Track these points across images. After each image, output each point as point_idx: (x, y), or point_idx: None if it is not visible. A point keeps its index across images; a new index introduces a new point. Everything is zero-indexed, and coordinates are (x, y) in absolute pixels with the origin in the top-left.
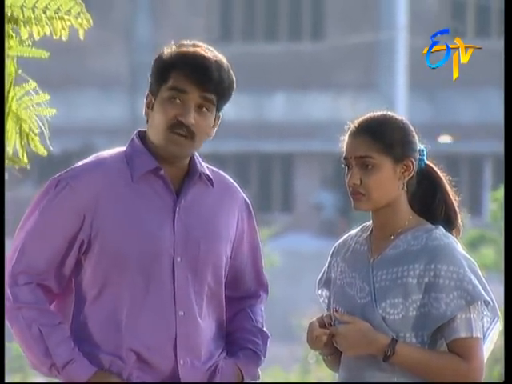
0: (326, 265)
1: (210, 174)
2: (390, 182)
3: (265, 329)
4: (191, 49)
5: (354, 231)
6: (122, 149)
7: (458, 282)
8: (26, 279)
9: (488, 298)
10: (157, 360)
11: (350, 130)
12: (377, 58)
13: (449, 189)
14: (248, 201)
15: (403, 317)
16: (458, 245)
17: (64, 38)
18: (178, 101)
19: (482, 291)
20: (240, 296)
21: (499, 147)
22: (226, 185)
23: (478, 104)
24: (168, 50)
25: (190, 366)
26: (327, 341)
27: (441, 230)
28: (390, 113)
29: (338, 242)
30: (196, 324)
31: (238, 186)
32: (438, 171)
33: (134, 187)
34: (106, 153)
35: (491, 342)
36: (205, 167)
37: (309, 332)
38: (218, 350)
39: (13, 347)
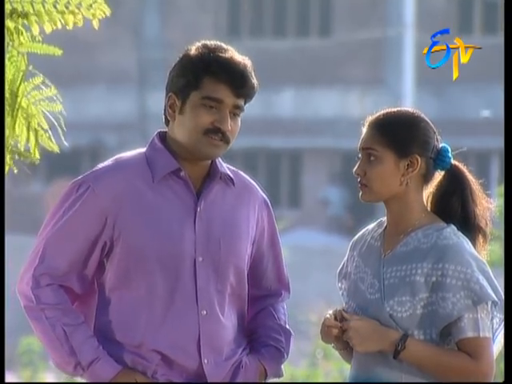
0: (345, 258)
1: (230, 174)
2: (391, 176)
3: (288, 326)
4: (223, 54)
5: (371, 226)
6: (143, 150)
7: (465, 282)
8: (48, 280)
9: (496, 299)
10: (181, 359)
11: (367, 121)
12: (384, 54)
13: (473, 192)
14: (267, 199)
15: (411, 315)
16: (468, 244)
17: (79, 25)
18: (213, 108)
19: (490, 291)
20: (262, 294)
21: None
22: (245, 184)
23: (484, 99)
24: (197, 51)
25: (214, 364)
26: (340, 334)
27: (452, 229)
28: (408, 109)
29: (357, 236)
30: (218, 323)
31: (257, 185)
32: (465, 174)
33: (155, 188)
34: (126, 154)
35: (500, 343)
36: (225, 167)
37: (322, 324)
38: (241, 347)
39: (22, 342)
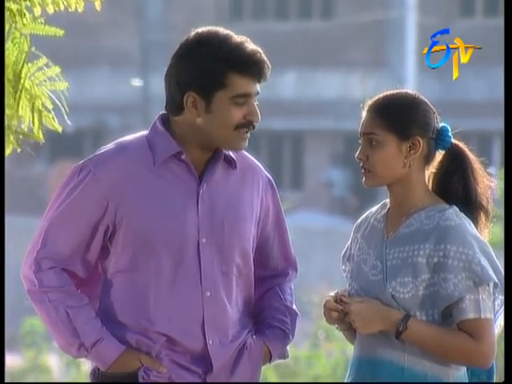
0: (349, 240)
1: (233, 156)
2: (394, 159)
3: (294, 307)
4: (238, 46)
5: (374, 208)
6: (144, 133)
7: (466, 264)
8: (51, 264)
9: (497, 280)
10: (186, 341)
11: (366, 105)
12: (387, 36)
13: (475, 170)
14: (272, 179)
15: (413, 296)
16: (470, 225)
17: (80, 10)
18: (242, 102)
19: (491, 273)
20: (269, 275)
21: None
22: (248, 164)
23: (486, 82)
24: (209, 46)
25: (218, 345)
26: (342, 317)
27: (454, 210)
28: (407, 91)
29: (360, 219)
30: (223, 304)
31: (260, 165)
32: (466, 152)
33: (157, 172)
34: (127, 138)
35: (500, 326)
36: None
37: (323, 306)
38: (246, 328)
39: (26, 323)
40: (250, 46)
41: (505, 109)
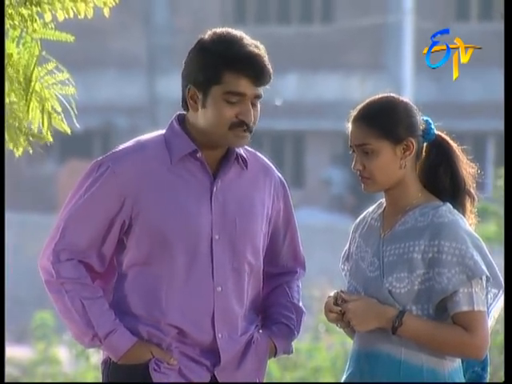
0: (348, 240)
1: (245, 155)
2: (391, 164)
3: (301, 304)
4: (240, 46)
5: (371, 207)
6: (162, 132)
7: (460, 258)
8: (68, 255)
9: (489, 274)
10: (196, 334)
11: (351, 117)
12: (385, 39)
13: (459, 158)
14: (283, 180)
15: (409, 290)
16: (463, 221)
17: (89, 17)
18: (234, 101)
19: (484, 267)
20: (277, 272)
21: (502, 125)
22: (261, 165)
23: (481, 84)
24: (213, 43)
25: (227, 339)
26: (340, 317)
27: (447, 207)
28: (387, 95)
29: (358, 219)
30: (233, 299)
31: (272, 166)
32: (449, 142)
33: (173, 169)
34: (145, 136)
35: (493, 319)
36: (241, 149)
37: (324, 307)
38: (254, 323)
39: (37, 316)
40: (253, 48)
41: (505, 109)
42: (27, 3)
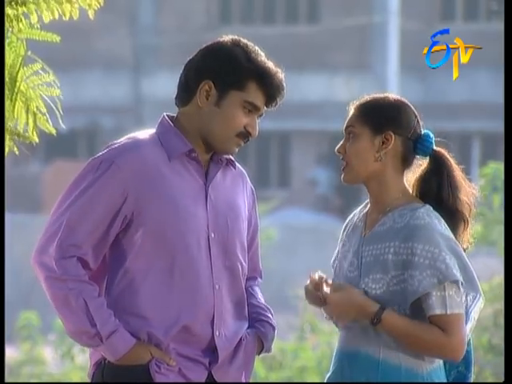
0: (339, 239)
1: (232, 158)
2: (367, 153)
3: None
4: (268, 63)
5: (359, 207)
6: (152, 131)
7: (431, 261)
8: (72, 252)
9: (460, 279)
10: (197, 332)
11: (352, 105)
12: (370, 40)
13: (453, 177)
14: (253, 189)
15: (384, 292)
16: (440, 224)
17: (75, 18)
18: (249, 112)
19: (455, 271)
20: None
21: (487, 125)
22: (239, 169)
23: (467, 84)
24: (241, 50)
25: (224, 337)
26: (322, 303)
27: (426, 209)
28: (390, 94)
29: (348, 219)
30: (228, 297)
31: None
32: (446, 159)
33: (172, 167)
34: (138, 134)
35: (474, 320)
36: None
37: (305, 287)
38: (245, 321)
39: (22, 316)
40: (277, 69)
41: (505, 109)
42: (13, 3)
